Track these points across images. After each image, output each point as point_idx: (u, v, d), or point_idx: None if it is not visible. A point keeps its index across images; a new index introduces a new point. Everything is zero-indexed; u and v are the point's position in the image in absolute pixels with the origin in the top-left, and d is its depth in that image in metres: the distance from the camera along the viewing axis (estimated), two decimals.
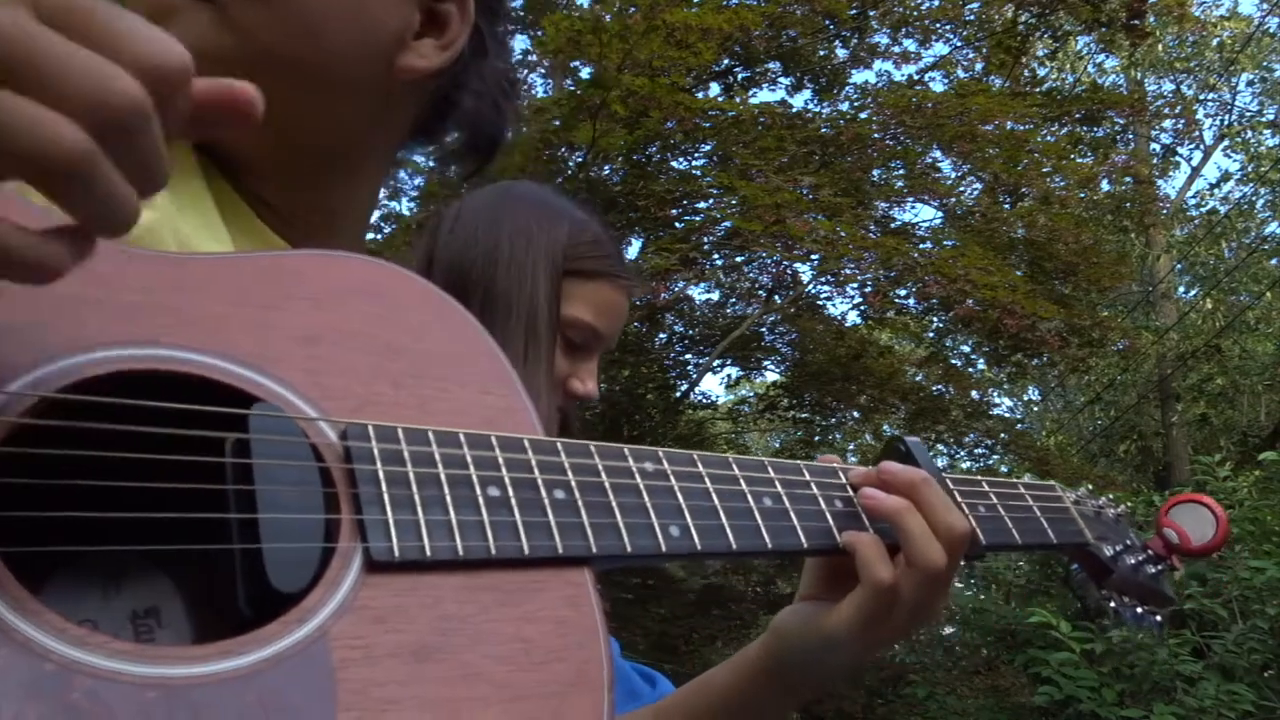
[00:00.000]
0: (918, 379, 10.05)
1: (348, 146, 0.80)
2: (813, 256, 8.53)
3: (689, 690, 0.85)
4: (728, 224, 8.45)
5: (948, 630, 11.70)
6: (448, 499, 0.59)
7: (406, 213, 10.63)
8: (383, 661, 0.51)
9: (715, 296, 10.46)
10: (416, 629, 0.53)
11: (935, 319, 10.08)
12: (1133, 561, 0.96)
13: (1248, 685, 4.57)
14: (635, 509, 0.67)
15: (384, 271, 0.68)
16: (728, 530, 0.71)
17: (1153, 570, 0.98)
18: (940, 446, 10.83)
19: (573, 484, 0.65)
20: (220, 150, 0.76)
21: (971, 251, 7.97)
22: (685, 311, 10.17)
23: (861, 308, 9.74)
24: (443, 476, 0.59)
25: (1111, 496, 1.04)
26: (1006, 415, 13.71)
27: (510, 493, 0.61)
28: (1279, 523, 5.51)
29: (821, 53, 10.54)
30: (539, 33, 9.73)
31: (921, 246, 8.83)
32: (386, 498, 0.57)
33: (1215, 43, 15.59)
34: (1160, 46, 15.10)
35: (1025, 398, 18.17)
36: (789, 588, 12.26)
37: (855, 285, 9.17)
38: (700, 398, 11.70)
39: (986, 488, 0.90)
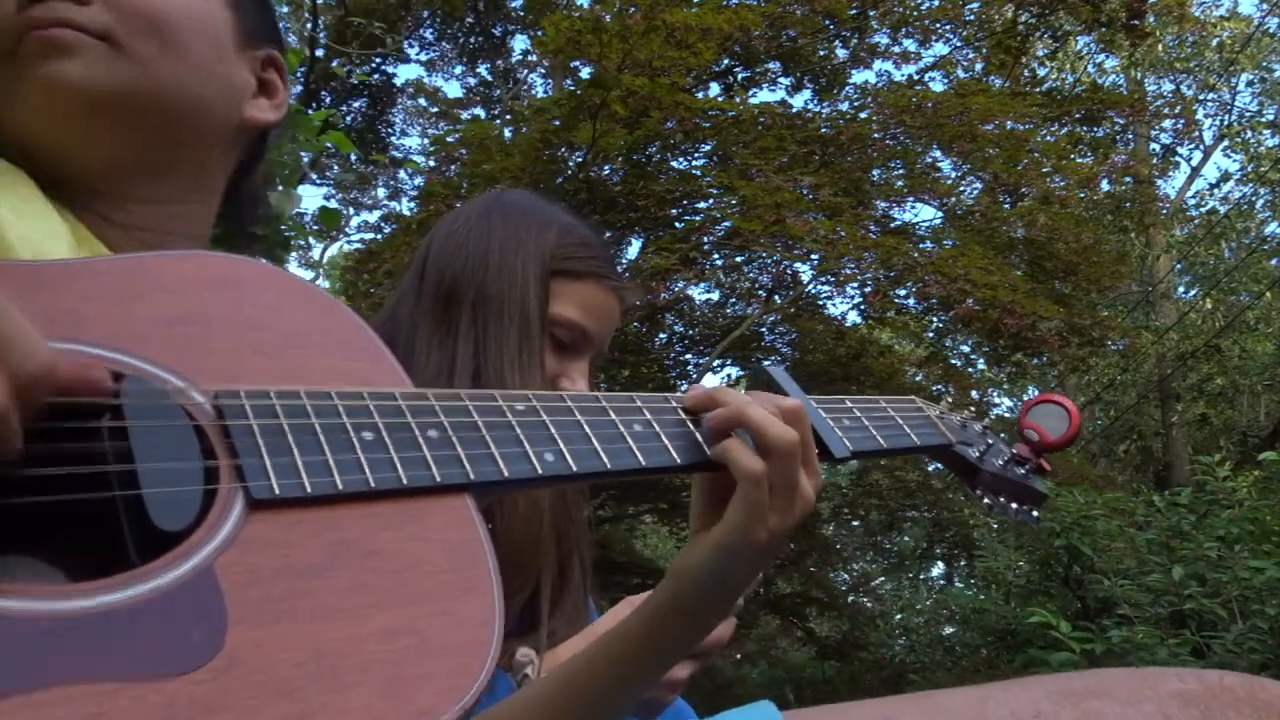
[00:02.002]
0: (918, 379, 10.05)
1: (196, 174, 0.90)
2: (813, 256, 8.54)
3: (610, 639, 0.87)
4: (728, 224, 8.45)
5: (948, 630, 11.70)
6: (323, 443, 0.60)
7: (407, 213, 10.63)
8: (274, 581, 0.52)
9: (715, 296, 10.48)
10: (306, 554, 0.55)
11: (935, 319, 10.08)
12: (1000, 462, 1.04)
13: None
14: (510, 440, 0.69)
15: (239, 263, 0.70)
16: (601, 453, 0.74)
17: (1022, 470, 1.06)
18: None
19: (446, 424, 0.67)
20: (72, 170, 0.81)
21: (971, 251, 7.97)
22: (685, 311, 10.17)
23: (861, 307, 9.75)
24: (317, 426, 0.61)
25: (972, 410, 1.12)
26: (1006, 415, 13.71)
27: (385, 435, 0.63)
28: (1279, 523, 5.51)
29: (821, 53, 10.55)
30: (539, 33, 9.74)
31: (921, 246, 8.84)
32: (262, 444, 0.58)
33: (1215, 43, 15.60)
34: (1160, 46, 15.10)
35: (1025, 398, 18.17)
36: (789, 587, 12.28)
37: (855, 285, 9.18)
38: None
39: (850, 404, 0.96)
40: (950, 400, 9.92)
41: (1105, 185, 10.94)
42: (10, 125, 0.79)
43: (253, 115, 0.92)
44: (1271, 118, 15.52)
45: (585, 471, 0.71)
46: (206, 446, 0.57)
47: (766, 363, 0.93)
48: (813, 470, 0.81)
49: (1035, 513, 1.07)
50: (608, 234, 8.26)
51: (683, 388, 10.69)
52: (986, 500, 1.04)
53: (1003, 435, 1.11)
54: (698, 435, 0.81)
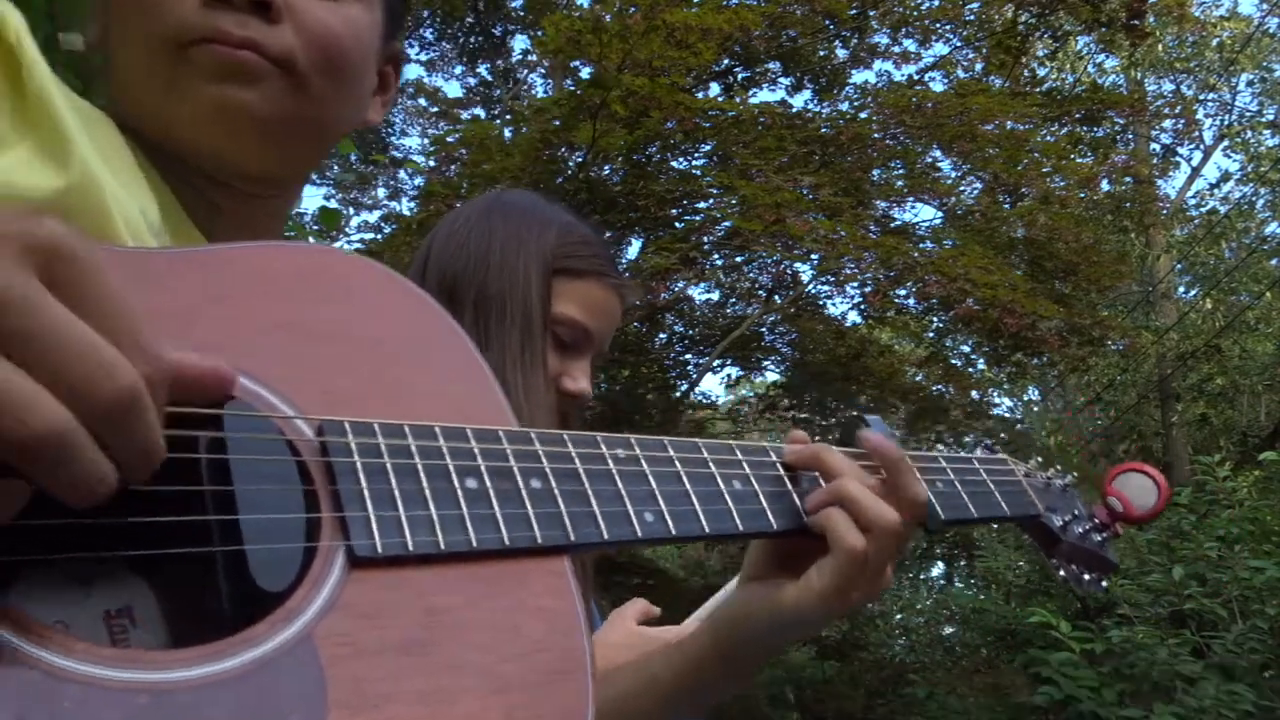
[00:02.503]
0: (918, 379, 10.05)
1: (307, 174, 0.89)
2: (813, 256, 8.54)
3: (637, 686, 0.86)
4: (728, 224, 8.45)
5: (948, 630, 11.70)
6: (427, 492, 0.59)
7: (407, 213, 10.64)
8: (371, 657, 0.51)
9: (715, 296, 10.48)
10: (402, 624, 0.53)
11: (935, 319, 10.08)
12: (1080, 530, 1.02)
13: (1248, 685, 4.56)
14: (610, 496, 0.68)
15: (344, 260, 0.68)
16: (700, 516, 0.72)
17: (1099, 538, 1.03)
18: (940, 447, 10.78)
19: (548, 473, 0.66)
20: (202, 162, 0.78)
21: (971, 251, 7.97)
22: (685, 311, 10.17)
23: (861, 307, 9.75)
24: (420, 470, 0.60)
25: (1059, 468, 1.09)
26: (1006, 415, 13.71)
27: (488, 484, 0.62)
28: (1279, 523, 5.51)
29: (821, 53, 10.54)
30: (539, 33, 9.74)
31: (921, 246, 8.83)
32: (367, 493, 0.57)
33: (1215, 43, 15.60)
34: (1160, 46, 15.10)
35: (1025, 398, 18.17)
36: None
37: (855, 285, 9.18)
38: (700, 398, 11.71)
39: (944, 463, 0.93)
40: (950, 400, 9.85)
41: (1105, 185, 10.94)
42: (153, 108, 0.76)
43: (369, 117, 0.89)
44: (1271, 118, 15.52)
45: (682, 535, 0.71)
46: (309, 489, 0.56)
47: (867, 416, 0.90)
48: (901, 549, 0.81)
49: (1104, 582, 1.04)
50: (608, 234, 8.26)
51: (683, 387, 10.64)
52: (1061, 572, 1.02)
53: (1059, 471, 1.07)
54: (795, 497, 0.80)
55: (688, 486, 0.73)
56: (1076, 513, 1.03)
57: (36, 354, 0.39)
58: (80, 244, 0.42)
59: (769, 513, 0.77)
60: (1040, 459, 1.08)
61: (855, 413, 0.90)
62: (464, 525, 0.59)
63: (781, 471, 0.81)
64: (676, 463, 0.74)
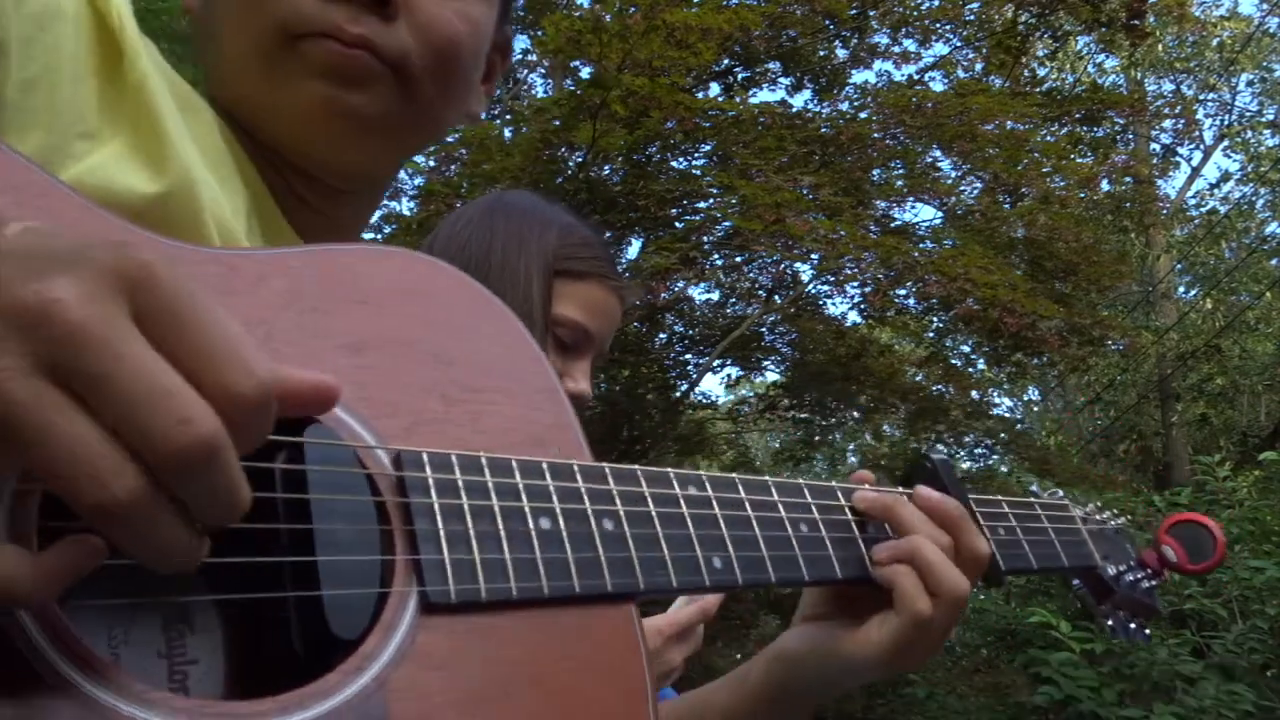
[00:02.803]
0: (918, 379, 10.04)
1: (398, 170, 0.87)
2: (813, 256, 8.53)
3: (686, 709, 0.86)
4: (728, 224, 8.45)
5: None
6: (502, 534, 0.58)
7: (407, 213, 10.63)
8: (440, 712, 0.51)
9: (715, 296, 10.47)
10: (471, 675, 0.53)
11: (935, 319, 10.08)
12: (1131, 579, 1.00)
13: (1248, 685, 4.56)
14: (681, 541, 0.67)
15: (432, 268, 0.67)
16: (768, 563, 0.71)
17: (1147, 585, 1.01)
18: (940, 446, 10.80)
19: (621, 515, 0.65)
20: (295, 156, 0.76)
21: (971, 251, 7.97)
22: (685, 311, 10.16)
23: (861, 307, 9.75)
24: (496, 509, 0.59)
25: (1115, 511, 1.07)
26: (1006, 415, 13.70)
27: (562, 525, 0.61)
28: (1279, 523, 5.51)
29: (821, 53, 10.54)
30: (539, 33, 9.73)
31: (921, 246, 8.83)
32: (443, 535, 0.56)
33: (1215, 43, 15.60)
34: (1160, 46, 15.10)
35: (1025, 398, 18.18)
36: (789, 589, 12.25)
37: (855, 285, 9.18)
38: (700, 398, 11.70)
39: (1006, 509, 0.91)
40: (950, 400, 9.80)
41: (1105, 185, 10.94)
42: (255, 97, 0.73)
43: (472, 110, 0.84)
44: (1271, 118, 15.53)
45: (748, 584, 0.70)
46: (385, 528, 0.55)
47: (933, 452, 0.89)
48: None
49: (1147, 630, 1.03)
50: (608, 234, 8.26)
51: (683, 387, 10.63)
52: (1110, 621, 1.00)
53: (1120, 518, 1.05)
54: (862, 546, 0.78)
55: (757, 531, 0.72)
56: (1131, 561, 1.01)
57: (110, 398, 0.37)
58: (173, 270, 0.40)
59: (834, 561, 0.76)
60: (1099, 504, 1.06)
61: (921, 451, 0.89)
62: (537, 570, 0.58)
63: (849, 516, 0.79)
64: (747, 505, 0.73)
